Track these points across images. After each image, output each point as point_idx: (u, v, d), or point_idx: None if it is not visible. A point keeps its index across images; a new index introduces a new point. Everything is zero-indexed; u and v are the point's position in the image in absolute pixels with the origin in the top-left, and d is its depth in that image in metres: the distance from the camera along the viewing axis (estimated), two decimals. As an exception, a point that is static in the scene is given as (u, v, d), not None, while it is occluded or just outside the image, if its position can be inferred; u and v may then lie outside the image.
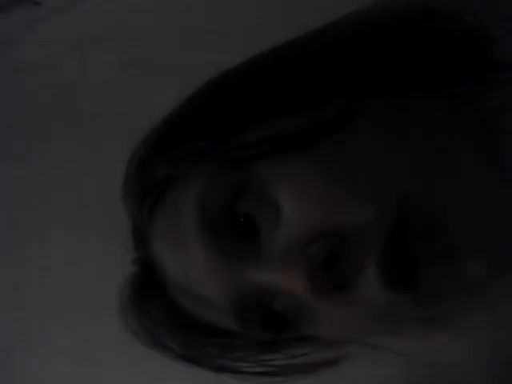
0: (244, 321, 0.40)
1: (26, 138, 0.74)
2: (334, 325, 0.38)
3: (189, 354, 0.46)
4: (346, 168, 0.36)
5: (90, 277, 0.72)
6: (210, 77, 0.43)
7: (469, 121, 0.38)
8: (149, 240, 0.44)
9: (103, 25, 0.66)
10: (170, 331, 0.45)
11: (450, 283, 0.36)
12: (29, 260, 0.79)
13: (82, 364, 0.77)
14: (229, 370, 0.46)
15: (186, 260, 0.40)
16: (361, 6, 0.40)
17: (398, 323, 0.40)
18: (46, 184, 0.76)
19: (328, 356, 0.45)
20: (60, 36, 0.69)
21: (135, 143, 0.44)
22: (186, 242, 0.39)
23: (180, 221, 0.40)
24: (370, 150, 0.36)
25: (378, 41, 0.39)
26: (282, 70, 0.40)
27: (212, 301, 0.40)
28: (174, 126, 0.43)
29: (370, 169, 0.35)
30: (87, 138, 0.64)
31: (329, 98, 0.38)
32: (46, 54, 0.69)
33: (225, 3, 0.70)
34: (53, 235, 0.77)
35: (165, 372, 0.73)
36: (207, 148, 0.40)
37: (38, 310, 0.78)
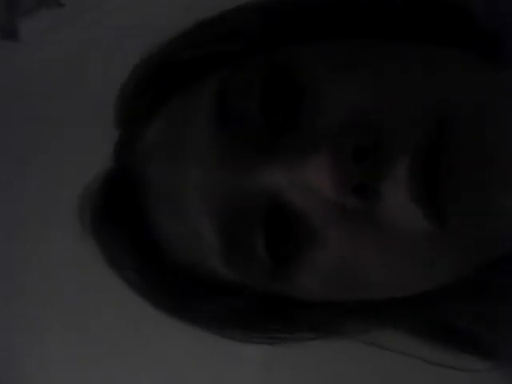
0: (235, 247, 0.36)
1: (35, 138, 0.73)
2: (344, 255, 0.34)
3: (147, 290, 0.42)
4: (394, 66, 0.34)
5: (91, 277, 0.72)
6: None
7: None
8: (138, 143, 0.40)
9: (126, 25, 0.65)
10: (131, 258, 0.41)
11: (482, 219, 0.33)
12: (29, 260, 0.79)
13: (83, 366, 0.76)
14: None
15: (189, 158, 0.36)
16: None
17: (421, 277, 0.36)
18: (46, 184, 0.75)
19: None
20: (83, 36, 0.68)
21: None
22: (193, 135, 0.36)
23: (191, 111, 0.37)
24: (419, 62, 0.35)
25: None
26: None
27: (199, 224, 0.36)
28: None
29: (417, 73, 0.34)
30: (98, 138, 0.64)
31: None
32: (69, 54, 0.69)
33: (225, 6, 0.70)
34: (53, 235, 0.77)
35: (165, 373, 0.73)
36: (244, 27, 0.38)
37: (37, 312, 0.78)
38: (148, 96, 0.40)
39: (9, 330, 0.80)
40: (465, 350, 0.45)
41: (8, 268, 0.80)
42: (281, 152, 0.34)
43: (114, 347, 0.74)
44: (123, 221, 0.40)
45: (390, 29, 0.38)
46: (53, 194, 0.73)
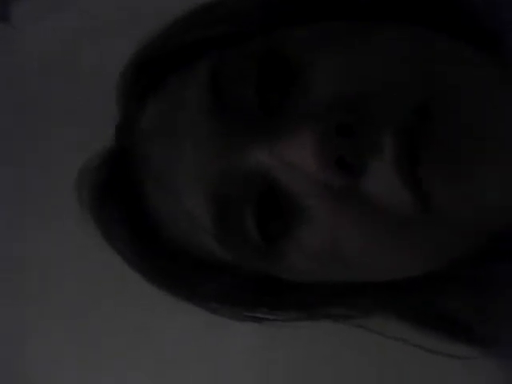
0: (228, 227, 0.36)
1: (29, 127, 0.73)
2: (329, 233, 0.35)
3: (140, 266, 0.43)
4: (381, 49, 0.35)
5: (92, 276, 0.72)
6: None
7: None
8: (137, 125, 0.41)
9: (118, 12, 0.65)
10: (128, 235, 0.42)
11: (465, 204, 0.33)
12: (29, 260, 0.79)
13: (83, 366, 0.76)
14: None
15: (182, 140, 0.37)
16: None
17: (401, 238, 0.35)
18: (46, 183, 0.76)
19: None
20: (74, 24, 0.68)
21: None
22: (187, 116, 0.36)
23: (186, 94, 0.37)
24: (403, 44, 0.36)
25: None
26: None
27: (193, 206, 0.37)
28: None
29: (400, 57, 0.34)
30: (93, 133, 0.64)
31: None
32: (61, 42, 0.69)
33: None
34: (52, 235, 0.77)
35: (166, 375, 0.73)
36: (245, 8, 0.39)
37: (37, 312, 0.78)
38: (146, 79, 0.41)
39: (9, 329, 0.80)
40: (458, 338, 0.45)
41: (8, 268, 0.80)
42: (267, 132, 0.34)
43: (114, 347, 0.74)
44: (122, 198, 0.41)
45: (387, 12, 0.39)
46: (53, 190, 0.73)
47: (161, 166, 0.39)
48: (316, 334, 0.52)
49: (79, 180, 0.44)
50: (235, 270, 0.40)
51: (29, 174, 0.76)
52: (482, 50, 0.38)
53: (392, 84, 0.33)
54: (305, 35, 0.37)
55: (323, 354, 0.60)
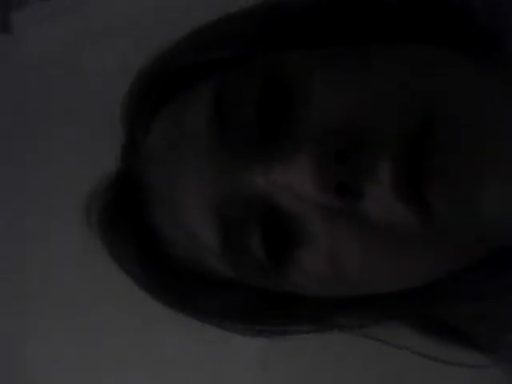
0: (232, 248, 0.37)
1: (31, 135, 0.74)
2: (331, 255, 0.35)
3: (146, 284, 0.44)
4: (379, 73, 0.35)
5: (92, 276, 0.72)
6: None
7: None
8: (142, 147, 0.41)
9: (118, 15, 0.66)
10: (135, 256, 0.43)
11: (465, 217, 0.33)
12: (29, 260, 0.79)
13: (84, 366, 0.77)
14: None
15: (184, 161, 0.37)
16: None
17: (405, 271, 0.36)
18: (46, 183, 0.76)
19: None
20: (75, 28, 0.69)
21: None
22: (190, 139, 0.37)
23: (188, 117, 0.38)
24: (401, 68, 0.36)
25: None
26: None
27: (198, 228, 0.38)
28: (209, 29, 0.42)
29: (399, 79, 0.35)
30: (94, 135, 0.64)
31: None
32: (61, 44, 0.69)
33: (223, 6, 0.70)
34: (52, 235, 0.77)
35: (166, 376, 0.74)
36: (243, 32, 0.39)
37: (37, 311, 0.78)
38: (150, 101, 0.41)
39: (9, 329, 0.81)
40: (459, 344, 0.46)
41: (8, 268, 0.80)
42: (265, 157, 0.35)
43: (114, 347, 0.75)
44: (130, 221, 0.42)
45: (387, 31, 0.39)
46: (53, 190, 0.73)
47: (163, 187, 0.39)
48: (318, 343, 0.52)
49: (87, 203, 0.45)
50: (238, 285, 0.40)
51: (29, 174, 0.76)
52: (482, 50, 0.39)
53: (390, 109, 0.33)
54: (303, 60, 0.37)
55: (325, 364, 0.60)
